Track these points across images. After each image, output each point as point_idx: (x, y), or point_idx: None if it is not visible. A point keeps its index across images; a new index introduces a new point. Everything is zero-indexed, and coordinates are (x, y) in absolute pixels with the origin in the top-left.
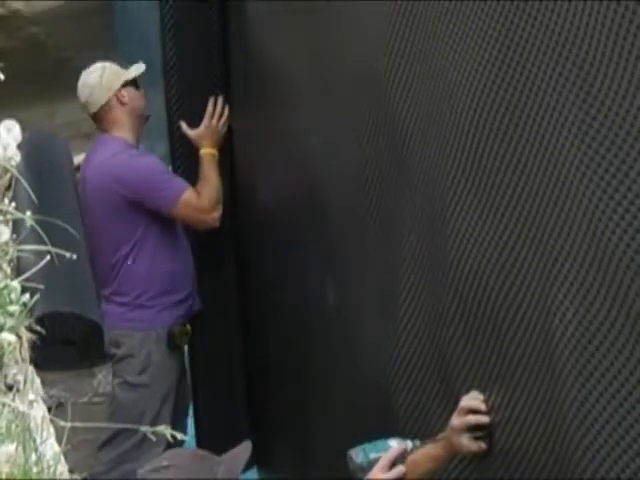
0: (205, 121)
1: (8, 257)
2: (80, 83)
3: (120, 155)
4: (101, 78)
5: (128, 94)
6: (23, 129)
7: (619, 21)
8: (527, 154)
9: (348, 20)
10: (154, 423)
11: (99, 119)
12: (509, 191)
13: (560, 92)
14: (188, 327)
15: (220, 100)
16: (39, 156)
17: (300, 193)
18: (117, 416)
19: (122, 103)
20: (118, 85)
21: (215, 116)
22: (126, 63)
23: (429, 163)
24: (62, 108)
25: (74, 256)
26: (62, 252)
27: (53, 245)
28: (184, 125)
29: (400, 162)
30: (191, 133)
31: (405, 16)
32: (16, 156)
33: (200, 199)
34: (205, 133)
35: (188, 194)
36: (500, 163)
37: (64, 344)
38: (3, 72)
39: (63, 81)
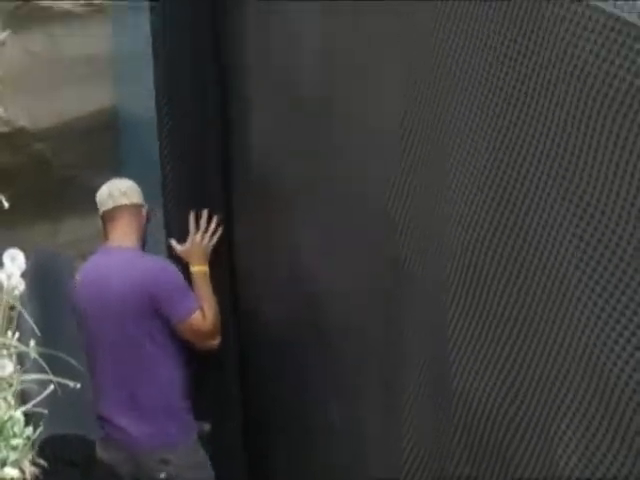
0: (190, 235)
1: (13, 389)
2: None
3: (144, 259)
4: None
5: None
6: (25, 249)
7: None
8: (528, 283)
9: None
10: None
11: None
12: (510, 321)
13: (560, 222)
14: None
15: (205, 214)
16: (44, 277)
17: (300, 306)
18: None
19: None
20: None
21: (199, 232)
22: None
23: (428, 281)
24: (65, 227)
25: (77, 385)
26: (65, 382)
27: (56, 374)
28: (173, 241)
29: (400, 277)
30: (179, 249)
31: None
32: (20, 285)
33: (205, 322)
34: (192, 250)
35: (197, 315)
36: (500, 297)
37: (68, 466)
38: (7, 190)
39: (67, 199)
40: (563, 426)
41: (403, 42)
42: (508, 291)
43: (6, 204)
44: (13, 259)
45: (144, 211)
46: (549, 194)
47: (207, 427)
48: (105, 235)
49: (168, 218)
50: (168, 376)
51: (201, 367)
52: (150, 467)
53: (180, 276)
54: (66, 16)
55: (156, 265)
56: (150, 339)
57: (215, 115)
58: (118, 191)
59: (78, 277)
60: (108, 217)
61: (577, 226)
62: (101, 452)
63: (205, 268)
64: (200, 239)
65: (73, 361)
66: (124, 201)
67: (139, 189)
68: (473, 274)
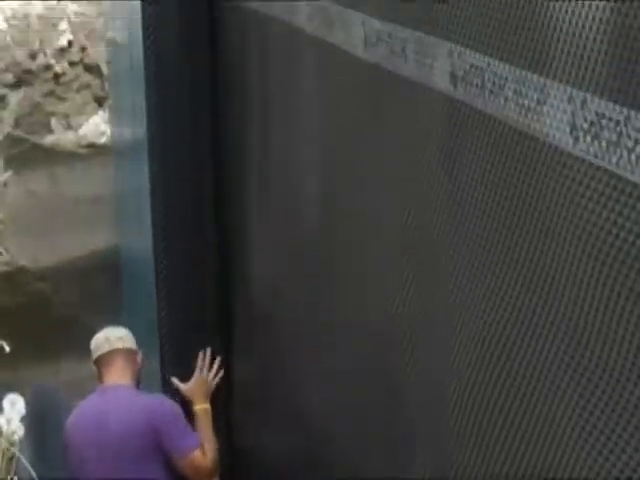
0: (196, 374)
1: None
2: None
3: (142, 395)
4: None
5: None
6: (26, 389)
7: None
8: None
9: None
10: None
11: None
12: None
13: (556, 365)
14: None
15: (209, 352)
16: (43, 414)
17: (299, 439)
18: None
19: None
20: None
21: (204, 369)
22: (132, 320)
23: (429, 404)
24: (67, 366)
25: None
26: None
27: None
28: (176, 380)
29: (400, 402)
30: (183, 388)
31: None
32: (19, 430)
33: (206, 459)
34: (197, 389)
35: (199, 452)
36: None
37: None
38: (7, 329)
39: (68, 339)
40: None
41: (403, 176)
42: (504, 415)
43: (7, 349)
44: (13, 404)
45: (139, 358)
46: (551, 344)
47: None
48: (100, 379)
49: (164, 356)
50: None
51: None
52: None
53: (180, 411)
54: (69, 157)
55: (156, 400)
56: (157, 473)
57: (213, 259)
58: (114, 336)
59: (73, 419)
60: (104, 361)
61: (575, 371)
62: None
63: (208, 406)
64: (204, 378)
65: None
66: (120, 345)
67: (133, 337)
68: (476, 396)
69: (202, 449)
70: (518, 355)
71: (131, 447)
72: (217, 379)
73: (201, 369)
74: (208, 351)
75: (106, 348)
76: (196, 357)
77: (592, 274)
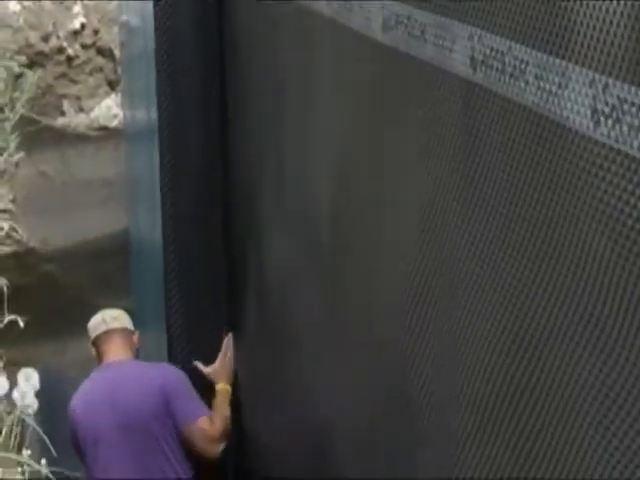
0: (221, 356)
1: None
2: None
3: (152, 365)
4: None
5: None
6: (33, 368)
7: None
8: (543, 415)
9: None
10: None
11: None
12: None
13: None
14: None
15: (231, 336)
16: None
17: (310, 445)
18: None
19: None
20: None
21: (229, 353)
22: (141, 303)
23: (441, 413)
24: (73, 346)
25: None
26: None
27: None
28: (199, 364)
29: (412, 413)
30: (207, 370)
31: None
32: (34, 404)
33: (212, 427)
34: (221, 371)
35: (207, 419)
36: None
37: None
38: (17, 309)
39: (75, 319)
40: None
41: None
42: (522, 423)
43: (22, 323)
44: (27, 378)
45: (135, 337)
46: (569, 327)
47: None
48: (99, 359)
49: (171, 338)
50: (186, 475)
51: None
52: None
53: (188, 380)
54: (80, 139)
55: (165, 368)
56: (168, 442)
57: (222, 241)
58: (110, 317)
59: (80, 400)
60: (101, 340)
61: (597, 358)
62: None
63: (229, 387)
64: (228, 360)
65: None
66: (116, 325)
67: (129, 317)
68: (487, 402)
69: (211, 418)
70: (537, 331)
71: (144, 417)
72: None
73: (225, 352)
74: (231, 336)
75: (103, 328)
76: (204, 339)
77: (611, 256)
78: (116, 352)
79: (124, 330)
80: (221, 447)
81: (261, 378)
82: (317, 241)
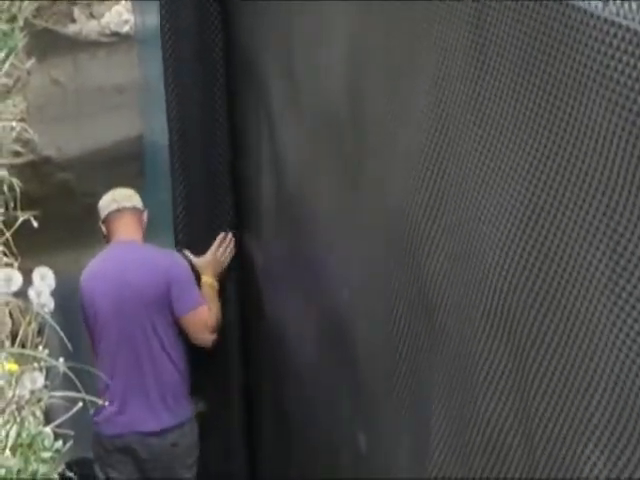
0: (212, 249)
1: (42, 404)
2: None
3: (158, 251)
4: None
5: None
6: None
7: None
8: (562, 327)
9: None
10: None
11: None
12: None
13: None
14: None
15: (230, 236)
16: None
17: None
18: None
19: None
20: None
21: (221, 249)
22: (155, 212)
23: (460, 322)
24: (88, 254)
25: (106, 403)
26: (94, 399)
27: (84, 391)
28: (188, 252)
29: (430, 321)
30: (195, 260)
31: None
32: (50, 303)
33: (210, 316)
34: (209, 263)
35: (205, 307)
36: (533, 341)
37: None
38: (35, 218)
39: (90, 228)
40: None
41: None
42: (541, 336)
43: (35, 223)
44: (43, 277)
45: (144, 216)
46: (585, 239)
47: (201, 405)
48: (108, 238)
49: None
50: (178, 361)
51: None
52: (162, 451)
53: (190, 270)
54: (92, 45)
55: (171, 256)
56: (164, 327)
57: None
58: (121, 195)
59: (90, 269)
60: (112, 218)
61: (613, 271)
62: (112, 442)
63: (215, 282)
64: (219, 255)
65: (102, 375)
66: (127, 203)
67: (139, 196)
68: (506, 320)
69: (209, 308)
70: (553, 244)
71: (147, 300)
72: (228, 258)
73: (217, 248)
74: (229, 235)
75: (114, 207)
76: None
77: (621, 135)
78: (126, 231)
79: (135, 209)
80: (214, 336)
81: (277, 264)
82: (334, 121)
